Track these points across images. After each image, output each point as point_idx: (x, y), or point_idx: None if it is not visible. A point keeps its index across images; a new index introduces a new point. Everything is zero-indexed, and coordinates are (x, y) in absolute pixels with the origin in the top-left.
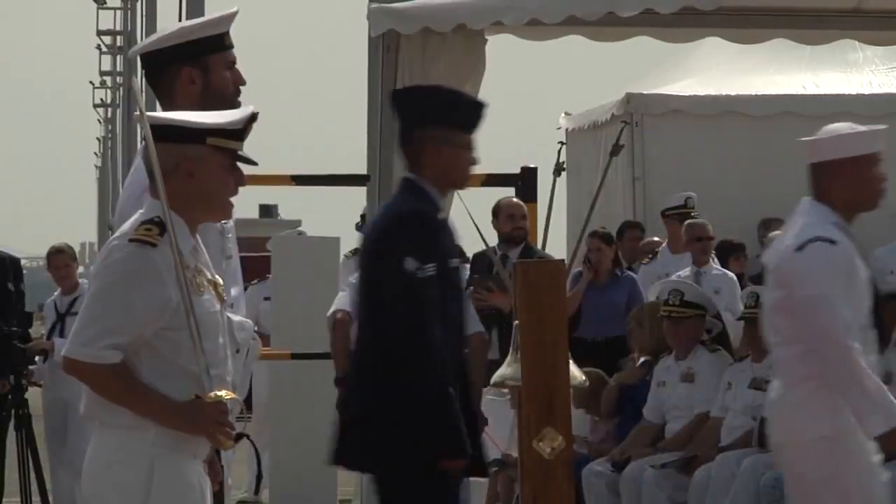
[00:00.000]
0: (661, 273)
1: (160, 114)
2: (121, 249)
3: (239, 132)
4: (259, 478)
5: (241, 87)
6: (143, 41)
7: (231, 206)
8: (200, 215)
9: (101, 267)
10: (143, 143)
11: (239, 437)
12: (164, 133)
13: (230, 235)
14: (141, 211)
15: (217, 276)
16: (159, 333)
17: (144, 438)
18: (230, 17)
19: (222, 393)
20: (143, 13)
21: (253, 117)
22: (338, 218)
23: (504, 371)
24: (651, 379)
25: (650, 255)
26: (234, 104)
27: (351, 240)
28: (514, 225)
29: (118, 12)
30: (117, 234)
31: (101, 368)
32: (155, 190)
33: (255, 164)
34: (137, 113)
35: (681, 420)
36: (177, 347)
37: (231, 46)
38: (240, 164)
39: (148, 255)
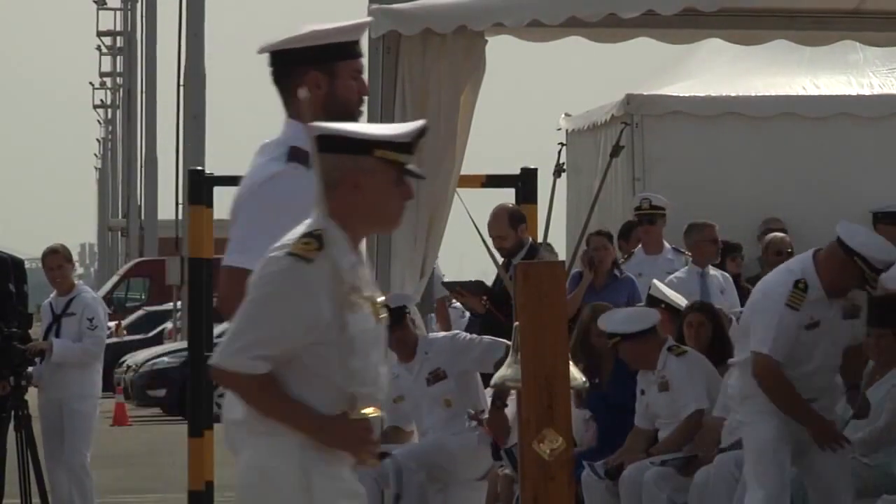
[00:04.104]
0: (635, 273)
1: (328, 124)
2: (277, 262)
3: (407, 145)
4: None
5: (364, 97)
6: (272, 40)
7: (399, 218)
8: (364, 228)
9: (258, 277)
10: (310, 151)
11: (383, 455)
12: (331, 143)
13: None
14: (308, 221)
15: (376, 293)
16: (309, 347)
17: (293, 441)
18: (363, 27)
19: (369, 410)
20: (143, 14)
21: (422, 131)
22: None
23: (504, 372)
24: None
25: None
26: (356, 113)
27: None
28: (492, 242)
29: (118, 13)
30: (279, 242)
31: (248, 379)
32: (321, 201)
33: (422, 177)
34: (311, 124)
35: (670, 426)
36: (326, 362)
37: (360, 55)
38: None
39: (303, 269)
